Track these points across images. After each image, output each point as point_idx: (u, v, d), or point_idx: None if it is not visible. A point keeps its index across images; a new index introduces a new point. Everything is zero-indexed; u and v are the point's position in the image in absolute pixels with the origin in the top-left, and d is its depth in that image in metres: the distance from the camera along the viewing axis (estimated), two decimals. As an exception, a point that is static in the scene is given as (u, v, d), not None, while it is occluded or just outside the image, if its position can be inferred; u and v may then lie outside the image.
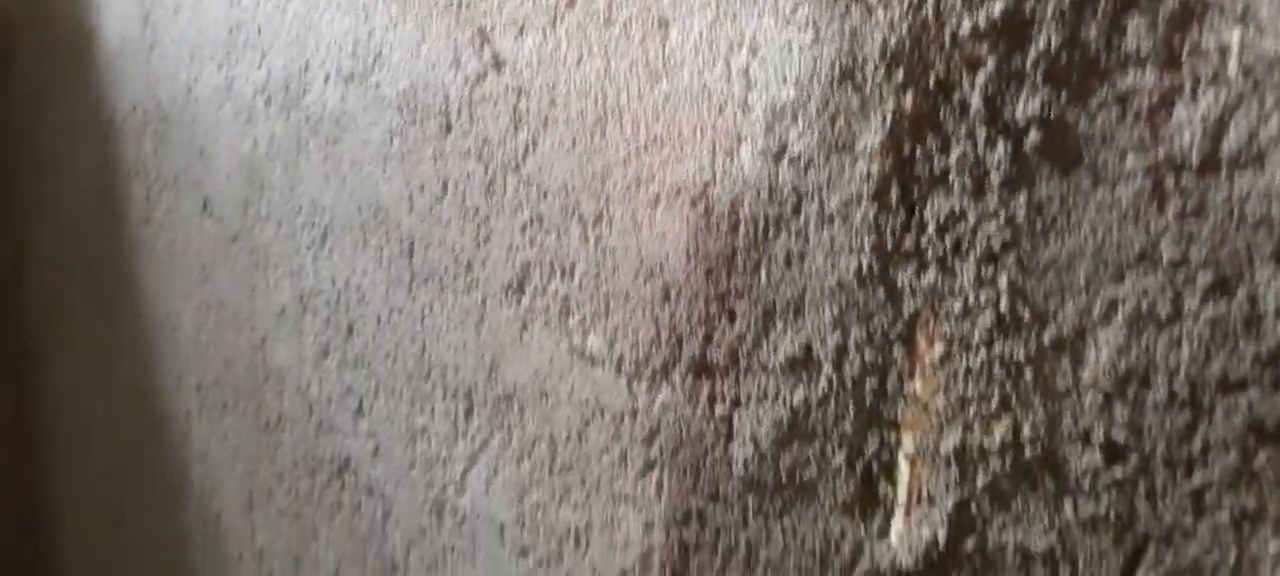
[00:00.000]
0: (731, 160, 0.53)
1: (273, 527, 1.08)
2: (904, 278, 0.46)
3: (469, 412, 0.76)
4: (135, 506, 1.38)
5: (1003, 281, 0.42)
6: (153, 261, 1.24)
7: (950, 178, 0.44)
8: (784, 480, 0.53)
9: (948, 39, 0.43)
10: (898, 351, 0.47)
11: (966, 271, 0.44)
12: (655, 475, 0.61)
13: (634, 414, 0.62)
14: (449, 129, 0.74)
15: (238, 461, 1.13)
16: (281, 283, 0.99)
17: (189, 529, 1.25)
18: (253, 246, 1.03)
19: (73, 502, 1.60)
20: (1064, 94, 0.40)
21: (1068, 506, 0.41)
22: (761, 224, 0.53)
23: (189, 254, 1.16)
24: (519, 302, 0.69)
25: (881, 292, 0.47)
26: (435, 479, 0.81)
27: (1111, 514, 0.40)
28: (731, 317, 0.55)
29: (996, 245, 0.43)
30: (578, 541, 0.68)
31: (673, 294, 0.58)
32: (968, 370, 0.44)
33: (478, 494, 0.76)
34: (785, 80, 0.50)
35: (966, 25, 0.42)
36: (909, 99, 0.45)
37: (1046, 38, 0.40)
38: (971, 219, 0.43)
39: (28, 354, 1.61)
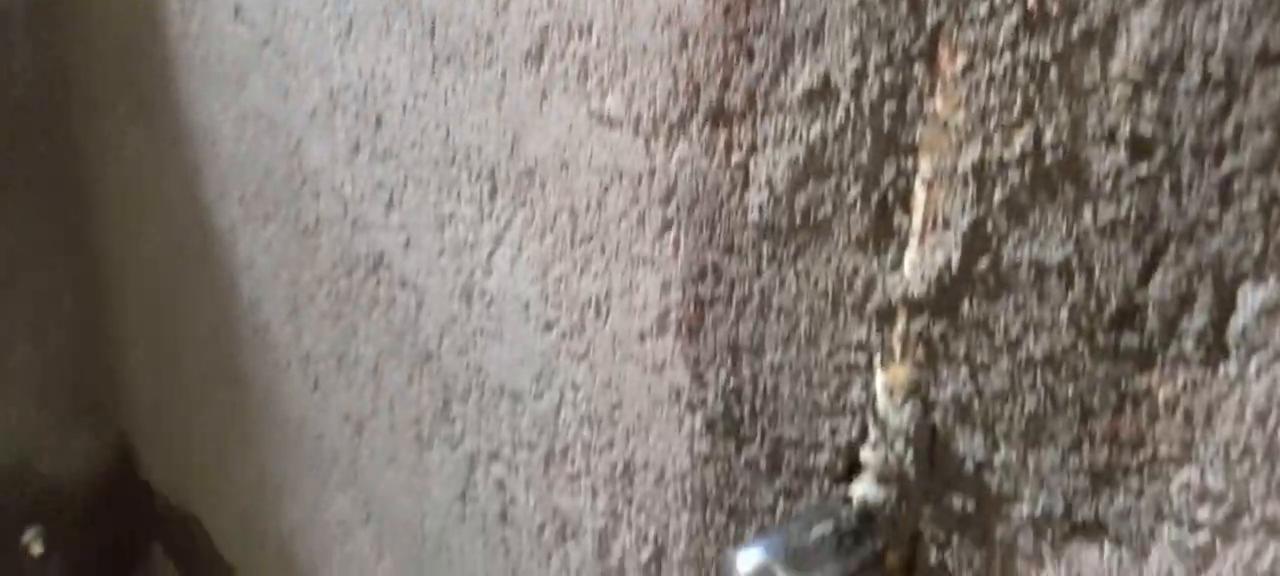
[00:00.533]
0: (751, -118, 0.50)
1: (316, 330, 1.11)
2: (928, -13, 0.43)
3: (493, 193, 0.76)
4: (189, 316, 1.43)
5: (1032, -26, 0.39)
6: (191, 74, 1.24)
7: None
8: (798, 222, 0.52)
9: None
10: (918, 69, 0.44)
11: (994, -30, 0.41)
12: (672, 234, 0.60)
13: (652, 173, 0.61)
14: (466, -107, 0.71)
15: (281, 268, 1.16)
16: (312, 82, 0.98)
17: (241, 337, 1.30)
18: (283, 48, 1.02)
19: (132, 312, 1.68)
20: None
21: (1087, 213, 0.39)
22: (781, -51, 0.50)
23: (224, 63, 1.16)
24: (538, 70, 0.68)
25: (903, 6, 0.44)
26: (463, 264, 0.82)
27: (1132, 215, 0.38)
28: (749, 56, 0.52)
29: (1027, -64, 0.39)
30: (598, 310, 0.68)
31: (691, 39, 0.56)
32: (990, 78, 0.41)
33: (503, 274, 0.77)
34: None
35: None
36: None
37: None
38: (1002, -91, 0.40)
39: (79, 164, 1.66)
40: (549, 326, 0.73)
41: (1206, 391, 0.37)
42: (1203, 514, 0.38)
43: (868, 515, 0.50)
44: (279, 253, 1.15)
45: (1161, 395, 0.39)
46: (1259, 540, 0.37)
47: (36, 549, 1.99)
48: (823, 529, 0.48)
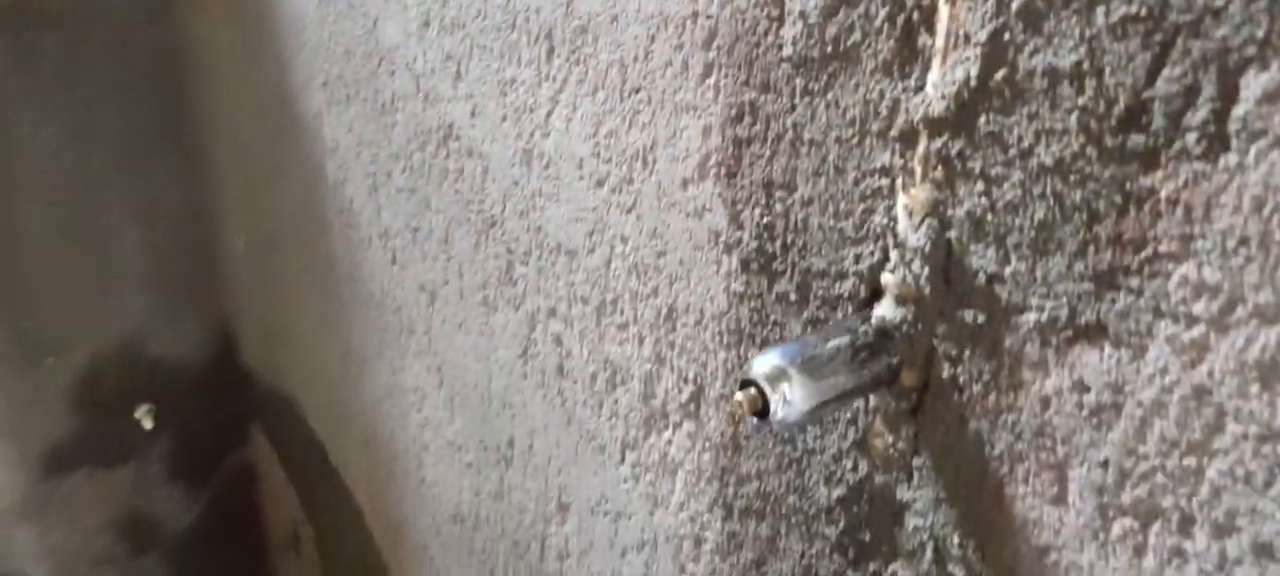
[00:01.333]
0: None
1: (393, 206, 1.17)
2: None
3: (550, 53, 0.79)
4: (282, 202, 1.52)
5: None
6: (278, -37, 1.30)
7: None
8: (829, 51, 0.53)
9: None
10: (944, -116, 0.45)
11: None
12: (713, 78, 0.63)
13: (695, 16, 0.63)
14: None
15: (362, 148, 1.22)
16: (387, -40, 1.03)
17: (327, 219, 1.38)
18: (361, -71, 1.07)
19: (232, 201, 1.79)
20: None
21: (1099, 13, 0.40)
22: None
23: (308, -50, 1.21)
24: (592, -74, 0.70)
25: None
26: (523, 128, 0.86)
27: (1142, 10, 0.39)
28: (786, -110, 0.53)
29: None
30: (645, 161, 0.71)
31: (732, -121, 0.57)
32: (1011, -115, 0.42)
33: (560, 134, 0.81)
34: None
35: None
36: None
37: None
38: None
39: (181, 60, 1.77)
40: (600, 182, 0.77)
41: (1206, 184, 0.38)
42: (1198, 307, 0.40)
43: (885, 333, 0.52)
44: (360, 132, 1.21)
45: (1164, 193, 0.40)
46: (1251, 329, 0.38)
47: (148, 424, 2.17)
48: (839, 341, 0.51)
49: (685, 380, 0.73)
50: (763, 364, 0.49)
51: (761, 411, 0.49)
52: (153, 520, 2.35)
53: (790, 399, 0.49)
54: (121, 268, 2.05)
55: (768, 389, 0.49)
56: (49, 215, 1.92)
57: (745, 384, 0.49)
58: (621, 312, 0.79)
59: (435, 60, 0.98)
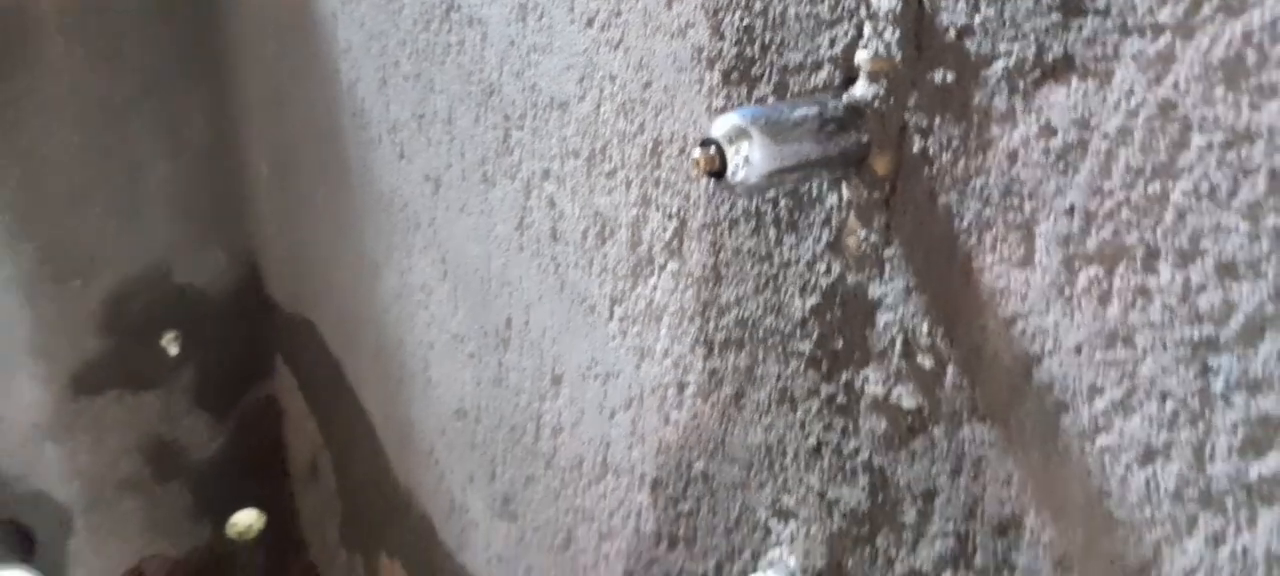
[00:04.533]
0: None
1: (401, 96, 1.18)
2: None
3: (545, -104, 0.78)
4: (301, 118, 1.54)
5: None
6: None
7: None
8: None
9: None
10: None
11: None
12: (697, -117, 0.61)
13: None
14: None
15: (371, 42, 1.22)
16: None
17: (341, 124, 1.39)
18: None
19: (257, 130, 1.81)
20: None
21: None
22: None
23: None
24: None
25: None
26: (520, -18, 0.85)
27: None
28: None
29: None
30: (633, -12, 0.70)
31: None
32: None
33: (553, -21, 0.80)
34: None
35: None
36: None
37: None
38: None
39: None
40: (590, 21, 0.76)
41: (1173, -127, 0.36)
42: (1164, 14, 0.38)
43: (857, 110, 0.51)
44: (370, 26, 1.22)
45: (1131, -107, 0.38)
46: (1216, 26, 0.36)
47: (173, 350, 2.21)
48: (807, 110, 0.50)
49: (669, 216, 0.72)
50: (723, 123, 0.48)
51: (719, 171, 0.48)
52: (178, 447, 2.40)
53: (750, 159, 0.48)
54: (148, 194, 2.09)
55: (727, 148, 0.48)
56: (77, 138, 1.96)
57: (706, 143, 0.48)
58: (610, 159, 0.78)
59: (439, -70, 0.98)
